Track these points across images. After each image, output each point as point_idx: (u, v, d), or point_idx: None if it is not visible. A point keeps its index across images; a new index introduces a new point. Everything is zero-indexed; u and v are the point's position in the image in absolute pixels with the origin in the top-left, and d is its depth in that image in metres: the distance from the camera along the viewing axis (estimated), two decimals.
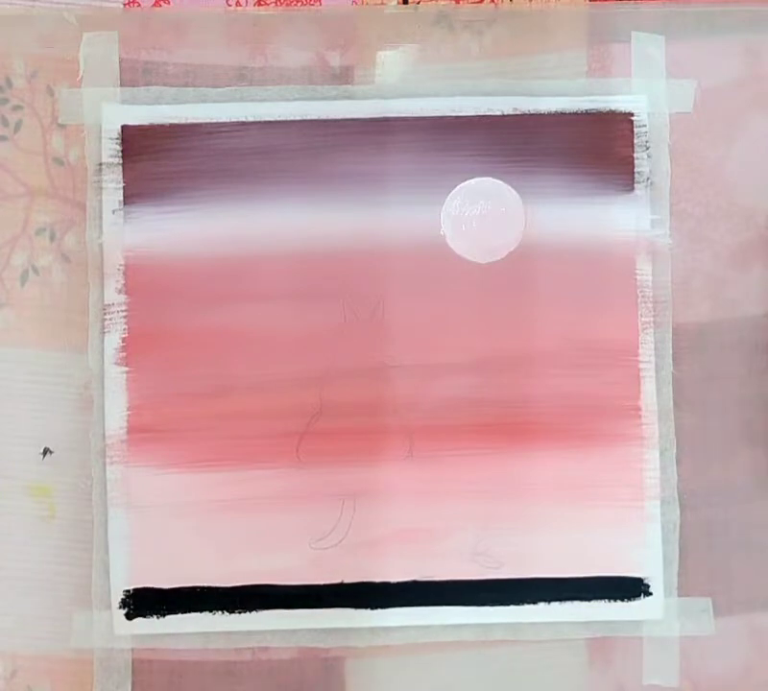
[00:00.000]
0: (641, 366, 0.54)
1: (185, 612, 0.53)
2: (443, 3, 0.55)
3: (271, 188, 0.53)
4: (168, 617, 0.53)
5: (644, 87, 0.54)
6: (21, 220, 0.54)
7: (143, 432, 0.53)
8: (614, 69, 0.54)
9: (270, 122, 0.54)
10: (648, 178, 0.54)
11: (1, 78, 0.54)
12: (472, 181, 0.54)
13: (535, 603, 0.53)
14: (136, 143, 0.53)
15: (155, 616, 0.53)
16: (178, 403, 0.53)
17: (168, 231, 0.53)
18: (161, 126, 0.53)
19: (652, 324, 0.54)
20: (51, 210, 0.54)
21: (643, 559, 0.53)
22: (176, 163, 0.53)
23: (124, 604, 0.53)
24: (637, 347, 0.54)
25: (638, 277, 0.54)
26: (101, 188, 0.53)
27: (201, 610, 0.53)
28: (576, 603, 0.53)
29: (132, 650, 0.53)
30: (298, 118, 0.54)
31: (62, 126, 0.54)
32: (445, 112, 0.54)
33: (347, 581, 0.53)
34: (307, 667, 0.53)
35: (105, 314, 0.53)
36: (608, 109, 0.54)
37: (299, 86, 0.54)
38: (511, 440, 0.53)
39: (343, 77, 0.54)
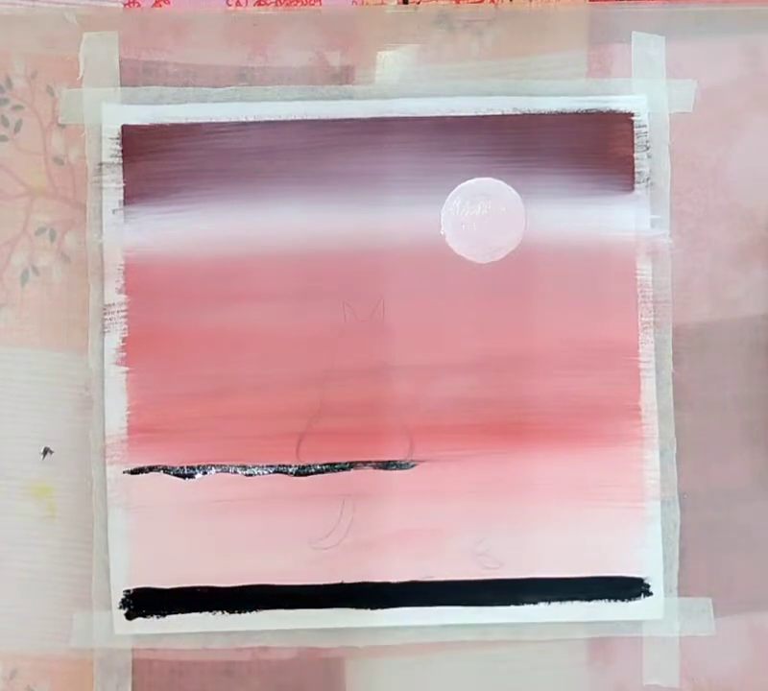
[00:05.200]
0: (641, 366, 0.54)
1: (185, 612, 0.53)
2: (443, 3, 0.55)
3: (271, 188, 0.53)
4: (168, 617, 0.53)
5: (644, 87, 0.54)
6: (21, 220, 0.54)
7: (143, 432, 0.53)
8: (614, 69, 0.54)
9: (270, 122, 0.54)
10: (648, 178, 0.54)
11: (1, 78, 0.54)
12: (472, 181, 0.54)
13: (535, 603, 0.53)
14: (136, 143, 0.53)
15: (155, 616, 0.53)
16: (178, 403, 0.53)
17: (168, 231, 0.53)
18: (161, 126, 0.53)
19: (652, 324, 0.54)
20: (51, 210, 0.54)
21: (643, 559, 0.53)
22: (176, 163, 0.53)
23: (124, 604, 0.53)
24: (637, 348, 0.54)
25: (638, 277, 0.54)
26: (101, 188, 0.53)
27: (201, 610, 0.53)
28: (576, 603, 0.53)
29: (132, 650, 0.53)
30: (298, 118, 0.54)
31: (62, 126, 0.54)
32: (445, 112, 0.54)
33: (347, 581, 0.53)
34: (307, 667, 0.53)
35: (105, 314, 0.53)
36: (608, 109, 0.54)
37: (299, 86, 0.54)
38: (511, 441, 0.53)
39: (343, 77, 0.54)
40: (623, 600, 0.53)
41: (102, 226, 0.53)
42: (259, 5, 0.55)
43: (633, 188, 0.54)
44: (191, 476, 0.53)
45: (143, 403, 0.53)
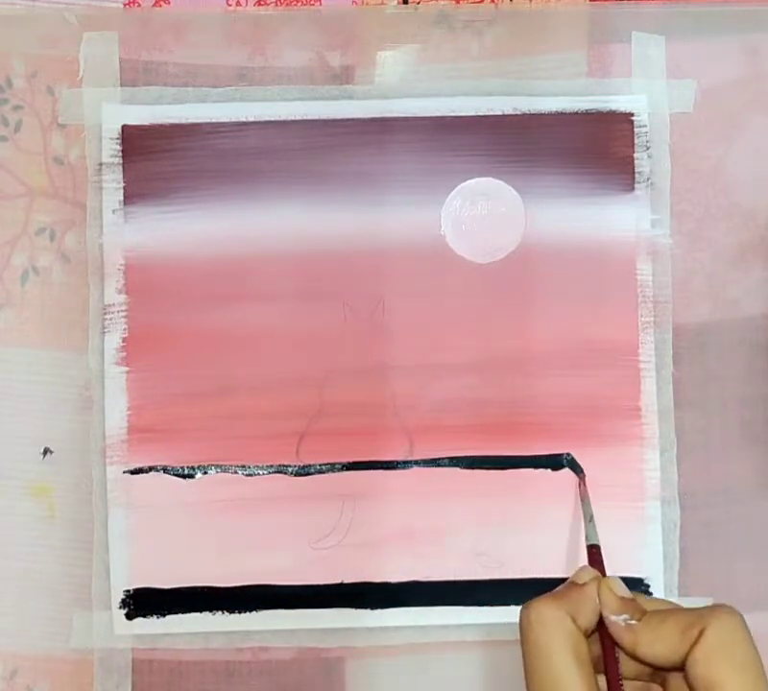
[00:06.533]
0: (641, 366, 0.54)
1: (185, 612, 0.53)
2: (443, 3, 0.55)
3: (271, 188, 0.53)
4: (168, 617, 0.53)
5: (644, 87, 0.54)
6: (21, 220, 0.54)
7: (143, 432, 0.53)
8: (614, 69, 0.54)
9: (270, 122, 0.54)
10: (648, 178, 0.54)
11: (1, 78, 0.54)
12: (472, 181, 0.54)
13: None
14: (136, 143, 0.53)
15: (155, 616, 0.53)
16: (178, 403, 0.53)
17: (168, 231, 0.53)
18: (161, 126, 0.53)
19: (652, 324, 0.54)
20: (51, 210, 0.54)
21: (643, 559, 0.53)
22: (176, 163, 0.53)
23: (124, 604, 0.53)
24: (637, 347, 0.54)
25: (638, 277, 0.54)
26: (101, 188, 0.53)
27: (201, 610, 0.53)
28: None
29: (132, 650, 0.53)
30: (298, 118, 0.54)
31: (62, 126, 0.54)
32: (445, 112, 0.54)
33: (347, 581, 0.53)
34: (307, 667, 0.53)
35: (105, 314, 0.53)
36: (608, 109, 0.54)
37: (299, 86, 0.54)
38: (511, 441, 0.53)
39: (343, 77, 0.54)
40: None
41: (102, 226, 0.53)
42: (259, 5, 0.55)
43: (633, 188, 0.54)
44: (191, 476, 0.53)
45: (143, 403, 0.53)
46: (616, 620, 0.42)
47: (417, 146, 0.54)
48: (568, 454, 0.53)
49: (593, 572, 0.44)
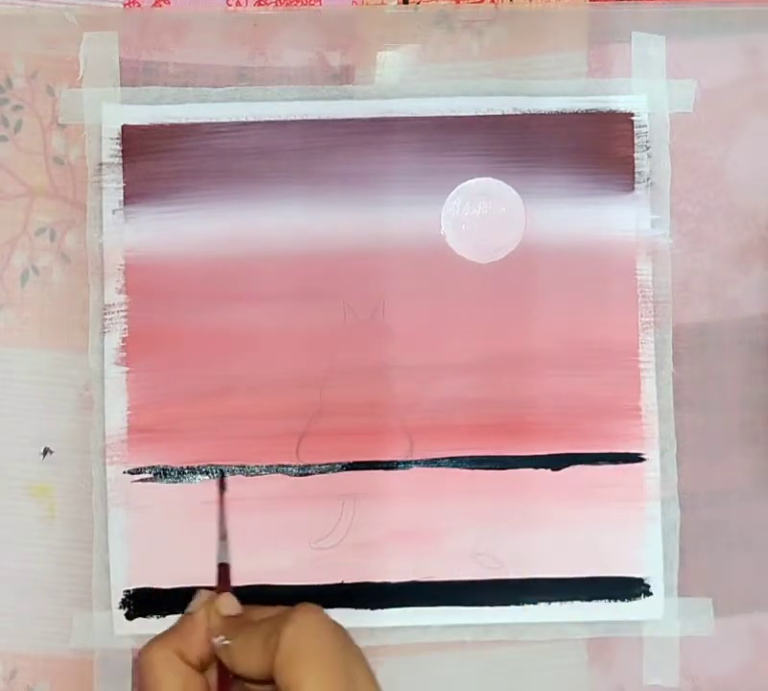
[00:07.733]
0: (641, 366, 0.54)
1: None
2: (443, 3, 0.55)
3: (271, 188, 0.53)
4: (168, 617, 0.53)
5: (644, 87, 0.54)
6: (21, 220, 0.54)
7: (143, 432, 0.53)
8: (614, 69, 0.54)
9: (270, 122, 0.54)
10: (648, 178, 0.54)
11: (1, 78, 0.54)
12: (472, 181, 0.54)
13: (535, 603, 0.53)
14: (136, 143, 0.53)
15: (155, 616, 0.53)
16: (178, 403, 0.53)
17: (168, 231, 0.53)
18: (161, 126, 0.53)
19: (652, 324, 0.54)
20: (51, 210, 0.54)
21: (643, 559, 0.53)
22: (176, 163, 0.53)
23: (124, 604, 0.53)
24: (637, 347, 0.54)
25: (638, 277, 0.54)
26: (101, 188, 0.53)
27: None
28: (576, 603, 0.53)
29: (132, 650, 0.53)
30: (298, 118, 0.54)
31: (62, 126, 0.54)
32: (445, 112, 0.54)
33: (347, 581, 0.53)
34: None
35: (105, 314, 0.53)
36: (608, 109, 0.54)
37: (299, 86, 0.54)
38: (511, 440, 0.53)
39: (343, 77, 0.54)
40: (623, 600, 0.53)
41: (102, 225, 0.53)
42: (259, 5, 0.55)
43: (633, 188, 0.54)
44: (191, 476, 0.53)
45: (143, 403, 0.53)
46: (215, 642, 0.40)
47: (417, 146, 0.54)
48: None
49: (206, 596, 0.42)
